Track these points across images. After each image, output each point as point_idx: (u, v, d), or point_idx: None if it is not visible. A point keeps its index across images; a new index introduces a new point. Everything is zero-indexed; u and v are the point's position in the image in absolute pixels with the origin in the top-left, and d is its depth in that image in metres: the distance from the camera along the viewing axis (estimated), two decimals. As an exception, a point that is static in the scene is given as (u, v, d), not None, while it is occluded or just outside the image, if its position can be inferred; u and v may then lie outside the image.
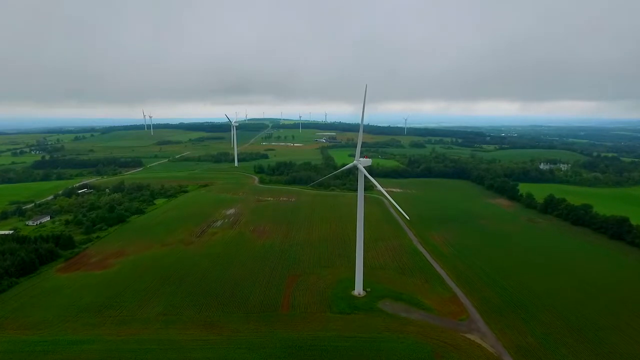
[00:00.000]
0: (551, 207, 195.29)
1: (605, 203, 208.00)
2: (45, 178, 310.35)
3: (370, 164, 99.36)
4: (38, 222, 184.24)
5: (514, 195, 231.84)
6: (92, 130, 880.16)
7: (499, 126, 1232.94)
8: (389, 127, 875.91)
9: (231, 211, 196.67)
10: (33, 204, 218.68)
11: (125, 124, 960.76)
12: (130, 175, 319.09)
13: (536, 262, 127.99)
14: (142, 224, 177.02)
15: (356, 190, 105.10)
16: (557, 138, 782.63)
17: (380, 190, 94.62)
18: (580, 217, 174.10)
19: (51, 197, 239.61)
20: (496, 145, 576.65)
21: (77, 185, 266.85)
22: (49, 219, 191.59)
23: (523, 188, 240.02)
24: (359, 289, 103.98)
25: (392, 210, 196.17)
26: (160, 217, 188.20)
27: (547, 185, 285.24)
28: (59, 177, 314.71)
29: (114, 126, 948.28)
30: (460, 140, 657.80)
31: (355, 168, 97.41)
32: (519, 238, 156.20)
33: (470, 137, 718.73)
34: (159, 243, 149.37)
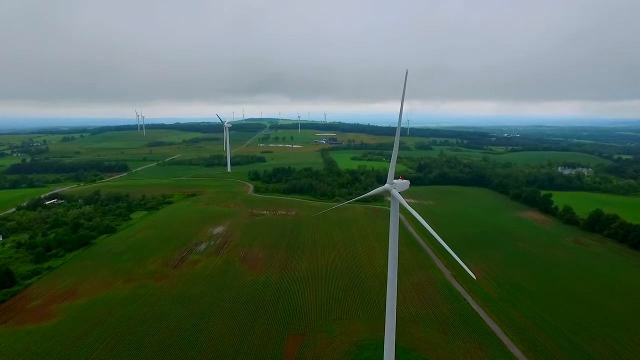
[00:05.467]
0: (600, 224, 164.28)
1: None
2: (15, 185, 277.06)
3: (407, 187, 67.91)
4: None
5: (547, 208, 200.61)
6: (83, 130, 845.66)
7: (500, 126, 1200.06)
8: (389, 127, 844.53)
9: (219, 229, 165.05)
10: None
11: (120, 124, 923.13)
12: (110, 183, 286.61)
13: (617, 312, 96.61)
14: (108, 248, 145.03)
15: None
16: (561, 139, 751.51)
17: (422, 224, 63.42)
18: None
19: (13, 209, 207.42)
20: (507, 147, 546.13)
21: (46, 195, 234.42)
22: (0, 239, 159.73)
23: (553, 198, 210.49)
24: (389, 366, 72.46)
25: (410, 228, 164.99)
26: (133, 238, 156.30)
27: (576, 193, 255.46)
28: (30, 185, 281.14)
29: (107, 126, 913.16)
30: (465, 142, 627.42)
31: (387, 192, 65.71)
32: (574, 269, 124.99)
33: (475, 138, 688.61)
34: (123, 277, 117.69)
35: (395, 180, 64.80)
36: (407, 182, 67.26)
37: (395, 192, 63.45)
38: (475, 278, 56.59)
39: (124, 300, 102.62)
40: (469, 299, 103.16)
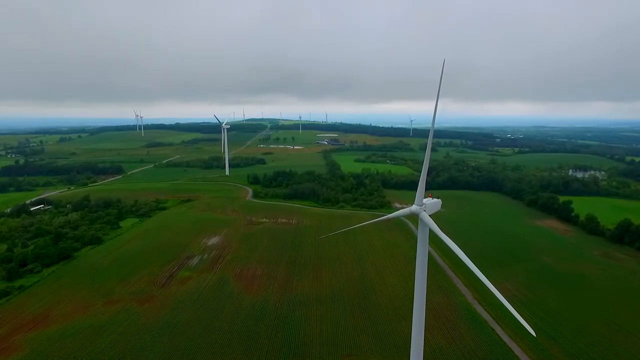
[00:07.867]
0: (629, 236, 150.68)
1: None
2: (3, 189, 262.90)
3: (439, 208, 54.37)
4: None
5: (568, 216, 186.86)
6: (82, 130, 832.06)
7: (503, 127, 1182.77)
8: (392, 128, 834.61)
9: (214, 240, 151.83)
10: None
11: (121, 124, 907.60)
12: (102, 186, 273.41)
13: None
14: (91, 262, 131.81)
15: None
16: (565, 139, 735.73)
17: (453, 249, 50.05)
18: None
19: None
20: (513, 149, 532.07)
21: (33, 200, 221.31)
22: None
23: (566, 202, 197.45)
24: None
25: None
26: (119, 250, 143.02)
27: (594, 198, 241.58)
28: (19, 188, 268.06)
29: (106, 126, 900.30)
30: (470, 143, 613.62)
31: (415, 214, 52.16)
32: (610, 290, 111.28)
33: (479, 139, 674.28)
34: (103, 298, 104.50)
35: (424, 200, 51.35)
36: (438, 202, 53.77)
37: (425, 216, 50.02)
38: (535, 335, 43.15)
39: (101, 328, 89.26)
40: (497, 328, 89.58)
